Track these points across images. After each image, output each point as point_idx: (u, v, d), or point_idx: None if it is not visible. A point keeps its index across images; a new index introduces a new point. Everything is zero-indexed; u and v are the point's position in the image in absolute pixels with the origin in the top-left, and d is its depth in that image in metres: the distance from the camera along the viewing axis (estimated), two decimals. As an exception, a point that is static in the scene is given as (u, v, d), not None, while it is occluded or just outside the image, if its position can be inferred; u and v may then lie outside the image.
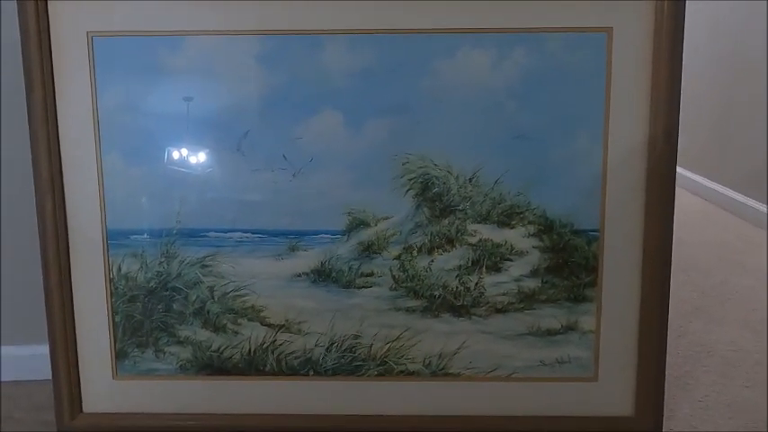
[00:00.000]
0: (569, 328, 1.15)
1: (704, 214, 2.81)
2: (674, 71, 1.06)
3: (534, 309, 1.15)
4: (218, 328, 1.17)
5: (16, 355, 1.40)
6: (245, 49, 1.10)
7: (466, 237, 1.14)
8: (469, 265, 1.14)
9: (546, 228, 1.13)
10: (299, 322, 1.17)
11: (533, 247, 1.14)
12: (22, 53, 1.10)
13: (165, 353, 1.18)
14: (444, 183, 1.12)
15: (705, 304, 1.84)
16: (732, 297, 1.89)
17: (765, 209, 2.56)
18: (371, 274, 1.15)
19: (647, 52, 1.07)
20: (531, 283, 1.14)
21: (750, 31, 2.68)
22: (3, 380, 1.40)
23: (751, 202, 2.66)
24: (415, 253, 1.14)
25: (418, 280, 1.15)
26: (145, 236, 1.16)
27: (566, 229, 1.13)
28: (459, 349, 1.16)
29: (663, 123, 1.08)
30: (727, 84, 2.88)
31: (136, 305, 1.17)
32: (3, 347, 1.41)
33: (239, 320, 1.17)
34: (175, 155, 1.14)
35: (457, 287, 1.15)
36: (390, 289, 1.15)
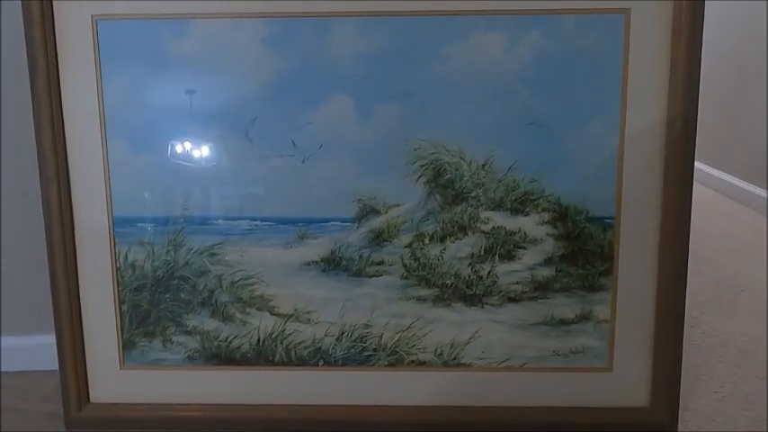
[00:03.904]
0: (583, 318, 1.13)
1: (711, 203, 2.78)
2: (693, 53, 1.03)
3: (548, 298, 1.13)
4: (226, 318, 1.16)
5: (22, 345, 1.39)
6: (251, 32, 1.08)
7: (479, 224, 1.12)
8: (482, 253, 1.12)
9: (560, 215, 1.11)
10: (309, 311, 1.15)
11: (547, 235, 1.11)
12: (26, 38, 1.08)
13: (172, 342, 1.17)
14: (457, 169, 1.10)
15: (717, 295, 1.81)
16: (745, 288, 1.87)
17: (766, 195, 2.54)
18: (382, 263, 1.13)
19: (665, 34, 1.04)
20: (545, 272, 1.12)
21: (752, 21, 2.64)
22: (9, 370, 1.39)
23: (757, 191, 2.64)
24: (426, 241, 1.12)
25: (430, 268, 1.13)
26: (152, 224, 1.14)
27: (580, 217, 1.10)
28: (471, 339, 1.14)
29: (681, 108, 1.05)
30: (731, 73, 2.85)
31: (143, 294, 1.16)
32: (9, 338, 1.39)
33: (248, 310, 1.15)
34: (181, 142, 1.12)
35: (469, 276, 1.13)
36: (401, 278, 1.13)
